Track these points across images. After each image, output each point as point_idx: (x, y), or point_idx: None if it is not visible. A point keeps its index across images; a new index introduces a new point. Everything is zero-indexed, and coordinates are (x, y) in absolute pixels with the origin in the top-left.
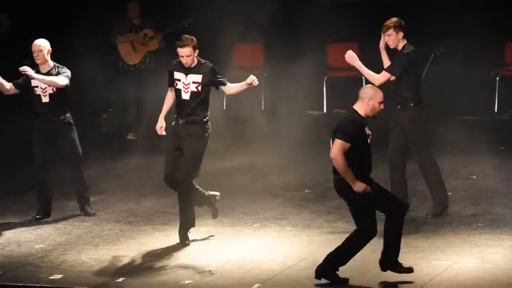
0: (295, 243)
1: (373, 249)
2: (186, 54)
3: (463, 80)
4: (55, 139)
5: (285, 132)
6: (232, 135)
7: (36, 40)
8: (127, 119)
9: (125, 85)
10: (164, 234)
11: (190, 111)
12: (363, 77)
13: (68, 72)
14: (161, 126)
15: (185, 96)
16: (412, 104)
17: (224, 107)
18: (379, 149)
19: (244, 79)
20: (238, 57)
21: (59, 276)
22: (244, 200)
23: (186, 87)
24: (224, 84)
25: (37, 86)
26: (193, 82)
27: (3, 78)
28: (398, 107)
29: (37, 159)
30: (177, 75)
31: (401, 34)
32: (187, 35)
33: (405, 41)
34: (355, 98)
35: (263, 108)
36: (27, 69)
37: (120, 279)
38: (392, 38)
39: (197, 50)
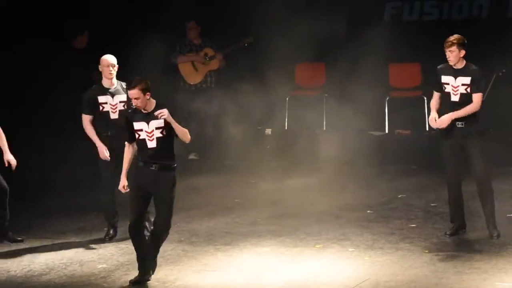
0: (358, 264)
1: (435, 269)
2: (134, 96)
3: None
4: (120, 157)
5: (346, 152)
6: (293, 154)
7: (107, 55)
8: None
9: (187, 105)
10: (226, 255)
11: (159, 157)
12: (425, 97)
13: None
14: (123, 185)
15: (151, 144)
16: (479, 120)
17: (286, 127)
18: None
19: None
20: (300, 76)
21: None
22: (306, 220)
23: (150, 135)
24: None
25: (105, 103)
26: (157, 128)
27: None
28: (461, 124)
29: (107, 178)
30: (137, 125)
31: (462, 52)
32: (139, 77)
33: (465, 61)
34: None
35: (324, 128)
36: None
37: None
38: (454, 55)
39: (148, 93)
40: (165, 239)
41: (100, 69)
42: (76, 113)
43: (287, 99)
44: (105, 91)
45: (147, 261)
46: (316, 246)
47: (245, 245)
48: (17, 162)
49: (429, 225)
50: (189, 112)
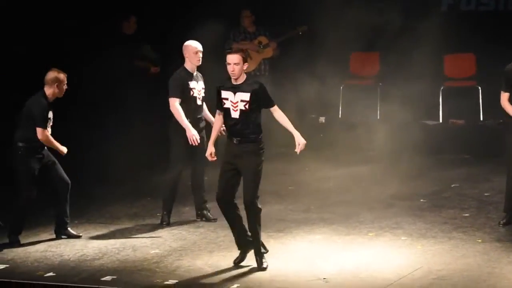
0: (410, 253)
1: (488, 258)
2: (234, 61)
3: None
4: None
5: (400, 141)
6: (347, 142)
7: (191, 42)
8: None
9: None
10: (279, 242)
11: (242, 129)
12: (480, 88)
13: None
14: (210, 152)
15: (235, 115)
16: None
17: (340, 115)
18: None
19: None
20: (355, 65)
21: (174, 282)
22: (358, 208)
23: (234, 105)
24: (272, 106)
25: (194, 88)
26: (241, 101)
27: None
28: None
29: (177, 163)
30: (224, 94)
31: None
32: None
33: None
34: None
35: (378, 117)
36: None
37: (235, 286)
38: None
39: (246, 64)
40: (258, 212)
41: (185, 55)
42: (131, 98)
43: (341, 87)
44: (192, 77)
45: (244, 238)
46: (369, 234)
47: (298, 232)
48: (75, 152)
49: (483, 215)
50: None
